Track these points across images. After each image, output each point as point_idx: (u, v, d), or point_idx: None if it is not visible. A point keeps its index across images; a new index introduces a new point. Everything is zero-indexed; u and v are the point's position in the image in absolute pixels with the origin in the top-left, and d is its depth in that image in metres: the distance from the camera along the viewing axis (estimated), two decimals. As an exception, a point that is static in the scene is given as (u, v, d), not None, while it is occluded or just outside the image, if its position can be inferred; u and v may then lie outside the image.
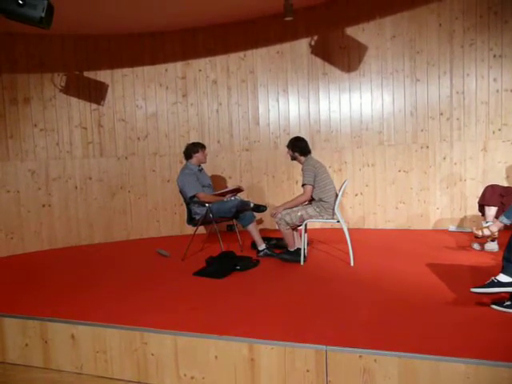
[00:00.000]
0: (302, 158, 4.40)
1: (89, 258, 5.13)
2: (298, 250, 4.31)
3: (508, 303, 2.81)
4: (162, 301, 3.41)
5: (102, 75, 5.89)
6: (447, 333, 2.58)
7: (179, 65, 6.03)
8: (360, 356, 2.38)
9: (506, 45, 5.11)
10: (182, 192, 4.76)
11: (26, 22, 3.44)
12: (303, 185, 4.27)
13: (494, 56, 5.17)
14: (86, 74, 5.81)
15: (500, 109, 5.24)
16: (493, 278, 2.78)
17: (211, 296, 3.47)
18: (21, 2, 3.31)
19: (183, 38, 5.96)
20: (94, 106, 5.87)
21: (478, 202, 4.52)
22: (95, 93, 5.86)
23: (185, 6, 5.03)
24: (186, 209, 4.81)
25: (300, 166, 4.49)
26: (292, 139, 4.49)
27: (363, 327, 2.72)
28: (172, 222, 6.10)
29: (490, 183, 4.79)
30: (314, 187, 4.24)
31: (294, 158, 4.47)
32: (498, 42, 5.14)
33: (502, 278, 2.74)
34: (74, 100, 5.79)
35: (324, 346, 2.45)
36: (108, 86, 5.91)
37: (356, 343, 2.47)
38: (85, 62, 5.80)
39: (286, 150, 4.51)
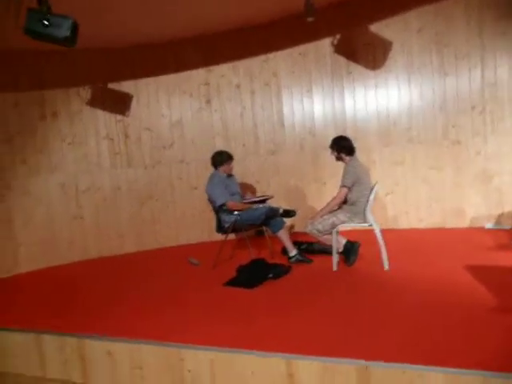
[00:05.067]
0: (348, 158, 4.29)
1: (121, 269, 5.18)
2: (347, 244, 4.26)
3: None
4: (195, 314, 3.40)
5: (126, 86, 5.93)
6: (494, 346, 2.46)
7: (202, 71, 6.02)
8: (403, 372, 2.30)
9: (540, 33, 4.87)
10: (210, 200, 4.74)
11: (51, 41, 3.49)
12: (341, 186, 4.18)
13: (529, 45, 4.94)
14: (110, 85, 5.87)
15: (536, 100, 5.01)
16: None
17: (245, 308, 3.44)
18: (46, 22, 3.35)
19: (204, 44, 5.94)
20: (120, 116, 5.93)
21: None
22: (120, 104, 5.91)
23: (204, 12, 5.00)
24: (214, 216, 4.80)
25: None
26: (336, 139, 4.36)
27: (404, 339, 2.63)
28: (201, 228, 6.09)
29: None
30: (350, 190, 4.15)
31: (339, 159, 4.35)
32: (531, 30, 4.91)
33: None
34: (99, 112, 5.86)
35: (364, 362, 2.38)
36: (132, 96, 5.95)
37: (398, 357, 2.39)
38: (108, 74, 5.85)
39: (330, 150, 4.38)
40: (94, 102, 5.80)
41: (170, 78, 6.00)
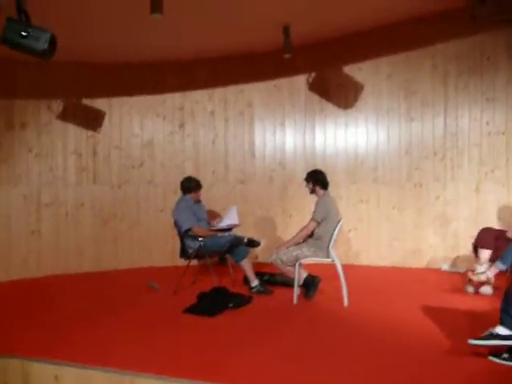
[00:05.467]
0: (322, 192, 4.36)
1: (75, 289, 5.00)
2: (308, 278, 4.28)
3: (506, 356, 2.76)
4: (149, 339, 3.31)
5: (100, 103, 5.89)
6: (444, 386, 2.52)
7: (177, 95, 6.06)
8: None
9: (497, 89, 5.22)
10: (176, 224, 4.70)
11: (28, 53, 3.45)
12: (312, 219, 4.24)
13: (487, 99, 5.28)
14: (83, 101, 5.82)
15: (492, 151, 5.31)
16: (491, 330, 2.74)
17: (202, 336, 3.39)
18: (24, 33, 3.32)
19: (182, 69, 6.01)
20: (90, 132, 5.86)
21: (473, 244, 4.52)
22: (92, 120, 5.85)
23: (185, 40, 5.10)
24: (179, 241, 4.75)
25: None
26: (312, 172, 4.45)
27: (356, 375, 2.65)
28: (164, 252, 6.00)
29: (482, 224, 4.84)
30: (318, 224, 4.22)
31: (313, 191, 4.42)
32: (490, 86, 5.25)
33: (501, 330, 2.71)
34: (70, 126, 5.77)
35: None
36: (105, 113, 5.91)
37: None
38: (83, 89, 5.81)
39: (305, 183, 4.45)
40: (65, 116, 5.72)
41: (145, 99, 6.01)
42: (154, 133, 6.06)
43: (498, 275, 3.49)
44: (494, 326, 2.77)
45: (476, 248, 4.46)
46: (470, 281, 4.15)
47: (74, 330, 3.53)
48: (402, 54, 5.57)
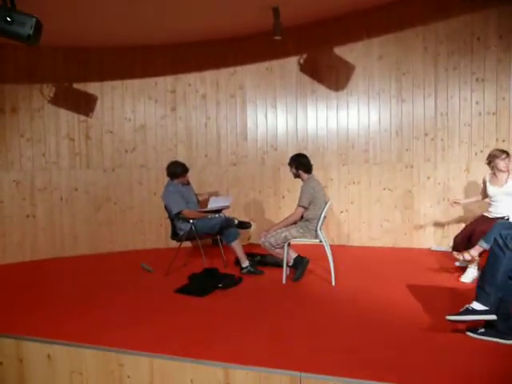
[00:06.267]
0: (306, 176, 4.36)
1: (71, 271, 5.11)
2: (297, 258, 4.35)
3: (482, 330, 2.86)
4: (141, 320, 3.41)
5: (92, 87, 5.89)
6: (421, 361, 2.61)
7: (169, 79, 6.06)
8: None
9: (488, 69, 5.21)
10: (166, 207, 4.77)
11: (14, 38, 3.46)
12: (298, 205, 4.26)
13: (477, 80, 5.27)
14: (75, 85, 5.82)
15: (482, 131, 5.33)
16: (467, 305, 2.82)
17: (191, 316, 3.48)
18: (9, 19, 3.33)
19: (173, 52, 5.99)
20: (83, 117, 5.87)
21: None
22: (84, 104, 5.86)
23: (176, 23, 5.07)
24: (170, 224, 4.82)
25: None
26: (295, 156, 4.43)
27: (339, 353, 2.75)
28: (157, 234, 6.09)
29: (471, 204, 4.96)
30: (306, 209, 4.26)
31: (297, 176, 4.42)
32: (480, 67, 5.24)
33: (476, 305, 2.79)
34: (62, 111, 5.78)
35: (298, 373, 2.47)
36: (97, 97, 5.92)
37: (330, 370, 2.49)
38: (75, 73, 5.80)
39: (289, 167, 4.45)
40: (57, 101, 5.73)
41: (137, 82, 6.01)
42: (147, 116, 6.08)
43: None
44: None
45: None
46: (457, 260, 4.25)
47: (68, 313, 3.63)
48: (393, 34, 5.54)
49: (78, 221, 5.84)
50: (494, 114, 5.27)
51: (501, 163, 4.23)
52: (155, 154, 6.09)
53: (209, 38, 5.85)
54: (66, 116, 5.80)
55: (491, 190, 4.33)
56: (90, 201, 5.89)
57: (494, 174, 4.34)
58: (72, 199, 5.81)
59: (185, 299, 3.89)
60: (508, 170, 4.26)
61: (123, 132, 6.03)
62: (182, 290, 4.07)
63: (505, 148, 5.08)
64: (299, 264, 4.35)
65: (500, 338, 2.78)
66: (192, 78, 6.08)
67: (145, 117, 6.07)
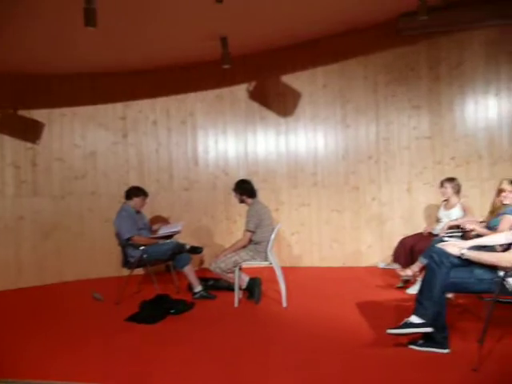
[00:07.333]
0: (250, 200, 4.46)
1: (15, 304, 4.88)
2: (250, 281, 4.43)
3: (421, 342, 3.02)
4: (85, 352, 3.32)
5: (39, 114, 5.79)
6: (366, 375, 2.73)
7: (119, 105, 6.07)
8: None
9: (421, 97, 5.64)
10: (117, 234, 4.72)
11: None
12: (245, 230, 4.34)
13: (413, 107, 5.67)
14: (21, 112, 5.71)
15: (420, 154, 5.70)
16: (406, 319, 2.99)
17: (140, 345, 3.43)
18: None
19: (124, 79, 6.02)
20: (29, 144, 5.74)
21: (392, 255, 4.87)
22: (31, 132, 5.74)
23: (124, 53, 5.14)
24: (121, 251, 4.77)
25: (245, 207, 4.54)
26: (238, 182, 4.54)
27: (286, 371, 2.81)
28: (110, 262, 5.96)
29: (414, 221, 5.39)
30: (254, 233, 4.34)
31: (242, 201, 4.52)
32: (415, 95, 5.66)
33: (414, 319, 2.95)
34: (6, 138, 5.64)
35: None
36: (44, 124, 5.82)
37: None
38: (21, 100, 5.70)
39: (233, 193, 4.55)
40: (2, 128, 5.59)
41: (86, 109, 5.98)
42: (97, 143, 6.03)
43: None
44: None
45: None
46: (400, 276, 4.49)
47: (11, 346, 3.48)
48: (336, 64, 5.88)
49: (23, 250, 5.63)
50: (429, 138, 5.66)
51: (440, 190, 4.68)
52: (106, 180, 6.03)
53: (159, 65, 5.95)
54: (11, 143, 5.65)
55: (441, 211, 4.73)
56: (36, 229, 5.71)
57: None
58: (17, 228, 5.62)
59: (135, 328, 3.83)
60: (448, 197, 4.64)
61: (73, 159, 5.95)
62: (133, 318, 4.01)
63: (438, 169, 5.50)
64: (254, 286, 4.40)
65: (437, 348, 2.96)
66: (143, 105, 6.13)
67: (95, 143, 6.03)
